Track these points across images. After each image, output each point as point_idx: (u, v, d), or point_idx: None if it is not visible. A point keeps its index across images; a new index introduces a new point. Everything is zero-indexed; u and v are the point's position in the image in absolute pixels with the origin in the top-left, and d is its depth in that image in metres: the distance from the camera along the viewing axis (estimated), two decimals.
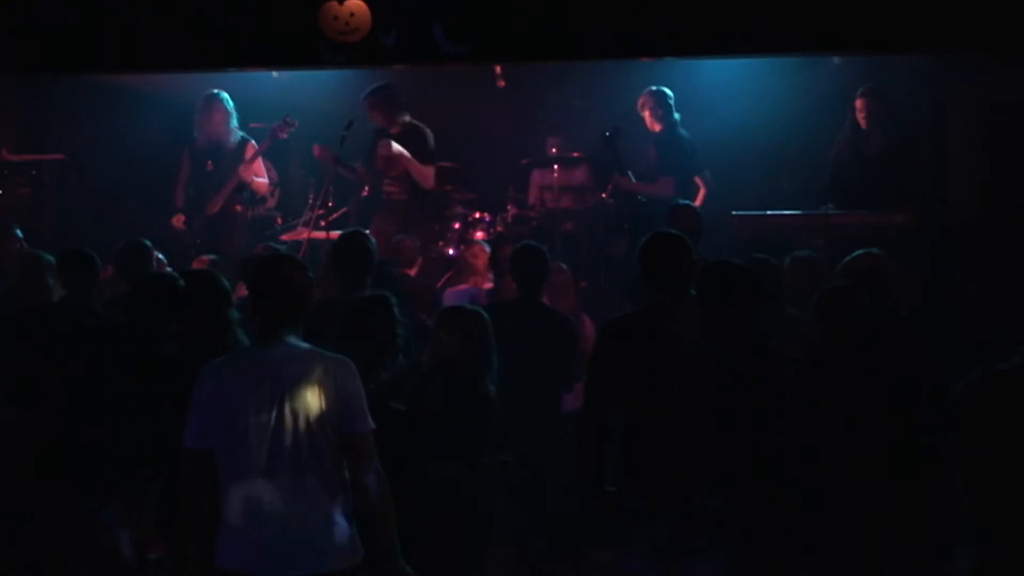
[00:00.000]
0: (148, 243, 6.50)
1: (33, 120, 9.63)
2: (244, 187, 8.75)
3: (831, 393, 4.80)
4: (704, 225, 6.95)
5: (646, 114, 8.66)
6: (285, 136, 8.75)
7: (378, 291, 5.26)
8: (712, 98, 8.77)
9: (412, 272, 7.85)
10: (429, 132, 8.63)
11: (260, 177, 8.88)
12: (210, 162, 8.67)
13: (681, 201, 7.39)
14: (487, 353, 5.17)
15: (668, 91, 8.57)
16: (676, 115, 8.57)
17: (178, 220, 8.69)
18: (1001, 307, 6.78)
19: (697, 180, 8.59)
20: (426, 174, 8.55)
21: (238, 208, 8.74)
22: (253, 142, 8.76)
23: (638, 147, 8.79)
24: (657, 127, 8.62)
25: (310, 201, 9.14)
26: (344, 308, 5.10)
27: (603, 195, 8.96)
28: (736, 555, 4.55)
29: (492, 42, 7.03)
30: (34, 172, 9.15)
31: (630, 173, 8.59)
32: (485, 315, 5.25)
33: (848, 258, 5.71)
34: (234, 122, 8.71)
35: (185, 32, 7.09)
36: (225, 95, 8.64)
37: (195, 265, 7.23)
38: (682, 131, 8.59)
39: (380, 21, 7.03)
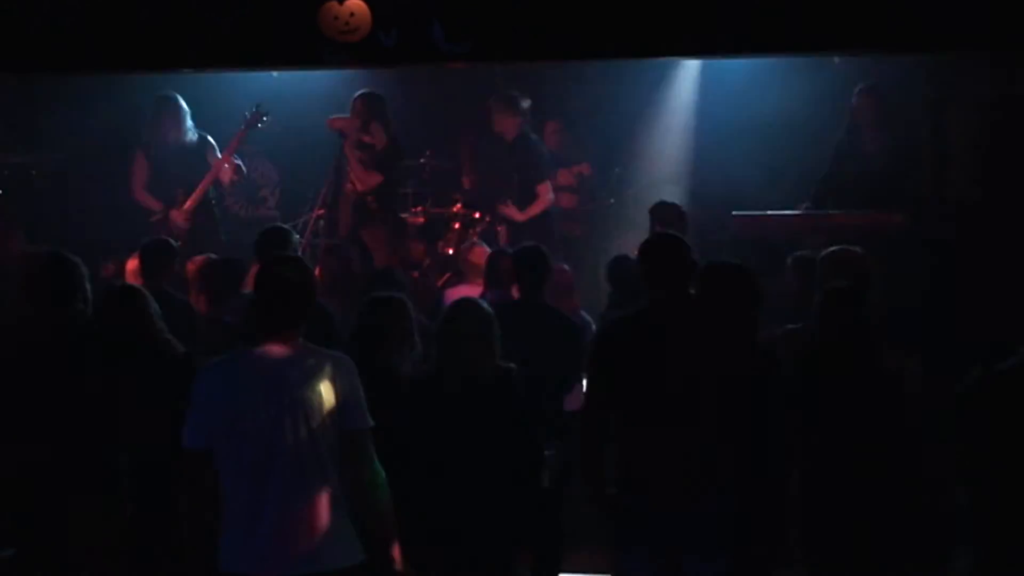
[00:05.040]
0: (175, 243, 6.49)
1: (32, 120, 9.62)
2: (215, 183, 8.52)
3: (831, 393, 4.81)
4: (696, 226, 6.96)
5: (501, 119, 8.48)
6: (260, 126, 8.53)
7: (390, 290, 5.28)
8: (712, 98, 8.76)
9: (415, 275, 7.87)
10: (402, 151, 8.51)
11: (228, 170, 8.58)
12: (174, 163, 8.41)
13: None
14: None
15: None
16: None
17: (180, 215, 8.33)
18: (1001, 307, 6.78)
19: (539, 188, 8.34)
20: (362, 176, 8.33)
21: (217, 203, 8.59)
22: (210, 137, 8.52)
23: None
24: (512, 132, 8.47)
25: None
26: (358, 306, 5.13)
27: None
28: (736, 555, 4.55)
29: (492, 42, 7.04)
30: (34, 172, 9.14)
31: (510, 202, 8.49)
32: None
33: (828, 251, 5.74)
34: (189, 122, 8.47)
35: (185, 32, 7.09)
36: (176, 95, 8.41)
37: (189, 266, 7.19)
38: (532, 134, 8.50)
39: (380, 21, 7.04)
